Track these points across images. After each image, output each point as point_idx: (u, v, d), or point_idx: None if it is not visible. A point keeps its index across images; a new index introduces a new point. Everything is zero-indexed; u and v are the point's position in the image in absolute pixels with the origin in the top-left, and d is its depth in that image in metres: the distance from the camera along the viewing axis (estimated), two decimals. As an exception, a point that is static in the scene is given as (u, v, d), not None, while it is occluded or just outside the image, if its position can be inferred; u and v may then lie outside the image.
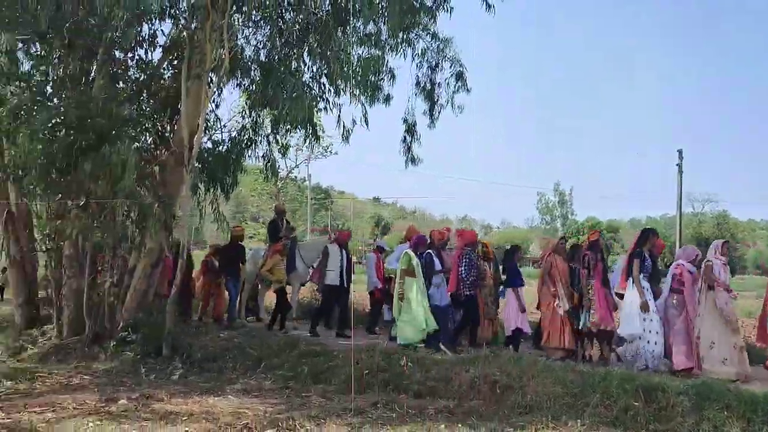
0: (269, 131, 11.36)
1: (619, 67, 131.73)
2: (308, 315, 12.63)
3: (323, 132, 12.26)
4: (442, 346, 9.25)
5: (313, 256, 12.03)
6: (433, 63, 11.42)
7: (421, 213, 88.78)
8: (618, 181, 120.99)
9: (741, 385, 7.56)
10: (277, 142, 11.52)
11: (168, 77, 10.30)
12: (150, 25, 9.58)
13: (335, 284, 11.14)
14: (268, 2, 8.56)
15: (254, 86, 10.33)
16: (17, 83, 9.07)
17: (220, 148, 10.64)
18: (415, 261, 9.76)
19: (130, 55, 9.86)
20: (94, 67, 9.53)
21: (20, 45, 8.98)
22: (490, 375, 7.32)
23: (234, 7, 8.98)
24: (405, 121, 11.74)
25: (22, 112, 8.93)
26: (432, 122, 11.69)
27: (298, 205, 56.68)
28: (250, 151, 11.07)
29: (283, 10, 9.77)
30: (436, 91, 11.54)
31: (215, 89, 9.96)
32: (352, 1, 9.19)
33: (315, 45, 9.32)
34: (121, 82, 9.95)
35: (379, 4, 9.68)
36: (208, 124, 10.40)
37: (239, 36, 9.90)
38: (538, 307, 9.89)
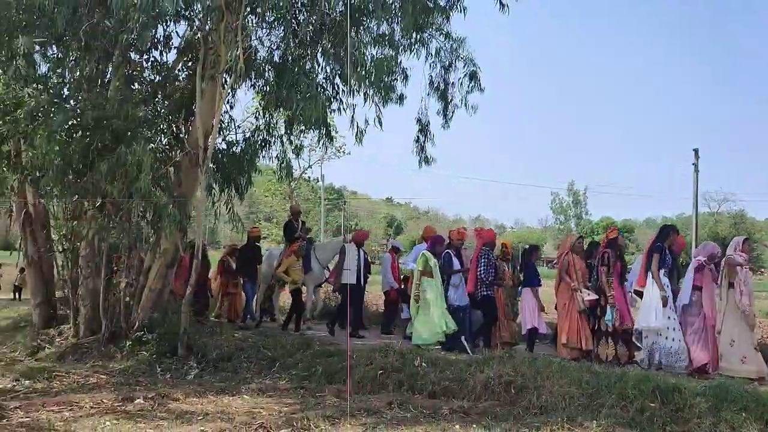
0: (283, 132, 11.39)
1: (635, 66, 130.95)
2: (324, 316, 12.68)
3: (336, 132, 12.29)
4: (463, 341, 9.21)
5: (329, 256, 12.04)
6: (447, 63, 11.36)
7: (434, 213, 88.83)
8: (633, 180, 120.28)
9: (759, 386, 7.49)
10: (290, 142, 11.55)
11: (183, 79, 10.36)
12: (165, 27, 9.65)
13: (352, 283, 11.18)
14: (281, 3, 8.57)
15: (268, 87, 10.35)
16: (35, 85, 9.17)
17: (235, 148, 10.67)
18: (433, 261, 9.72)
19: (145, 56, 9.94)
20: (110, 69, 9.61)
21: (37, 48, 9.07)
22: (505, 375, 7.29)
23: (248, 9, 9.01)
24: (418, 120, 11.71)
25: (40, 114, 9.03)
26: (446, 122, 11.65)
27: (312, 206, 56.84)
28: (263, 152, 11.09)
29: (297, 11, 9.79)
30: (449, 91, 11.49)
31: (229, 90, 10.00)
32: (366, 1, 9.20)
33: (329, 46, 9.33)
34: (136, 84, 10.03)
35: (392, 4, 9.68)
36: (223, 124, 10.44)
37: (253, 37, 9.93)
38: (557, 307, 9.84)
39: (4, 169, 10.29)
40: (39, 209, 10.98)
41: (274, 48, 10.21)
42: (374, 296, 14.24)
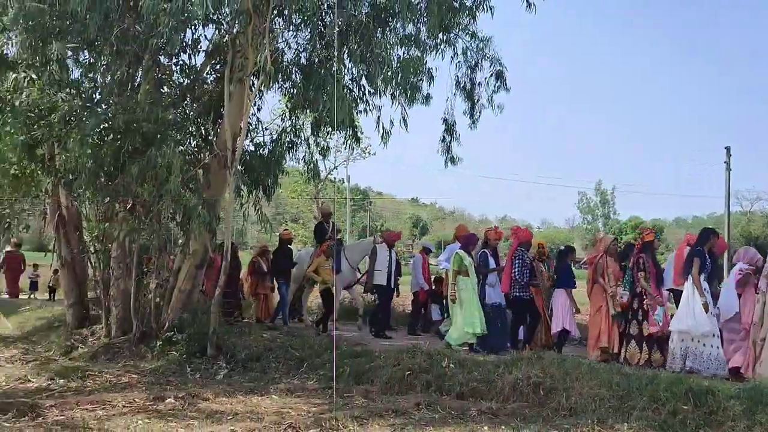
0: (309, 133, 11.46)
1: (664, 63, 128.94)
2: (348, 316, 12.72)
3: (362, 133, 12.28)
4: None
5: (358, 257, 12.06)
6: (473, 62, 11.34)
7: (459, 213, 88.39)
8: (662, 179, 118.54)
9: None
10: (317, 144, 11.61)
11: (211, 81, 10.47)
12: (193, 31, 9.75)
13: (382, 284, 11.20)
14: (308, 5, 8.61)
15: (295, 89, 10.42)
16: (68, 90, 9.32)
17: (262, 150, 10.76)
18: (468, 260, 9.65)
19: (174, 60, 10.05)
20: (140, 73, 9.75)
21: (70, 53, 9.25)
22: (533, 377, 7.24)
23: (275, 11, 9.08)
24: (445, 120, 11.68)
25: (73, 118, 9.19)
26: (473, 123, 11.61)
27: (337, 207, 56.97)
28: (290, 154, 11.16)
29: (323, 13, 9.84)
30: (476, 91, 11.46)
31: (257, 93, 10.08)
32: (392, 2, 9.21)
33: (355, 47, 9.33)
34: (165, 87, 10.14)
35: (418, 5, 9.67)
36: (250, 127, 10.52)
37: (280, 39, 10.00)
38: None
39: (39, 172, 10.50)
40: (72, 211, 11.19)
41: (301, 50, 10.27)
42: (402, 297, 14.23)
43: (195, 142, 10.43)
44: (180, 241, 10.20)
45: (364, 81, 10.35)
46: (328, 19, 9.76)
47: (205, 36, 10.13)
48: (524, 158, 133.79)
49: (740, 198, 65.78)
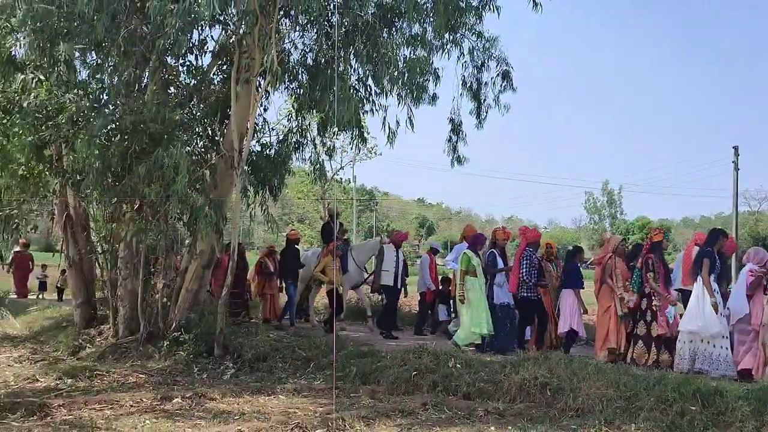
0: (316, 134, 11.47)
1: (670, 62, 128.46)
2: (355, 316, 12.72)
3: (368, 133, 12.29)
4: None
5: (365, 257, 12.07)
6: (480, 62, 11.31)
7: (466, 213, 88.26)
8: (669, 179, 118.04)
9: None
10: (323, 144, 11.63)
11: (218, 82, 10.49)
12: (200, 32, 9.78)
13: (390, 284, 11.19)
14: (314, 6, 8.61)
15: (301, 89, 10.43)
16: (75, 91, 9.37)
17: (269, 150, 10.79)
18: (476, 261, 9.64)
19: (181, 61, 10.07)
20: (147, 74, 9.77)
21: (77, 54, 9.31)
22: (540, 377, 7.22)
23: (281, 12, 9.10)
24: (451, 120, 11.66)
25: (80, 119, 9.25)
26: (480, 123, 11.57)
27: (344, 207, 57.00)
28: (297, 154, 11.18)
29: (330, 14, 9.84)
30: (482, 91, 11.43)
31: (263, 93, 10.10)
32: (398, 2, 9.20)
33: (361, 47, 9.34)
34: (172, 88, 10.17)
35: (424, 5, 9.67)
36: (257, 127, 10.55)
37: (286, 40, 10.02)
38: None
39: (47, 172, 10.56)
40: (79, 212, 11.25)
41: (307, 51, 10.29)
42: (409, 297, 14.22)
43: (202, 142, 10.46)
44: (187, 241, 10.24)
45: (370, 81, 10.36)
46: (335, 19, 9.76)
47: (212, 37, 10.17)
48: (530, 158, 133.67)
49: (748, 198, 65.52)
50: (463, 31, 10.85)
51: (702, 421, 6.15)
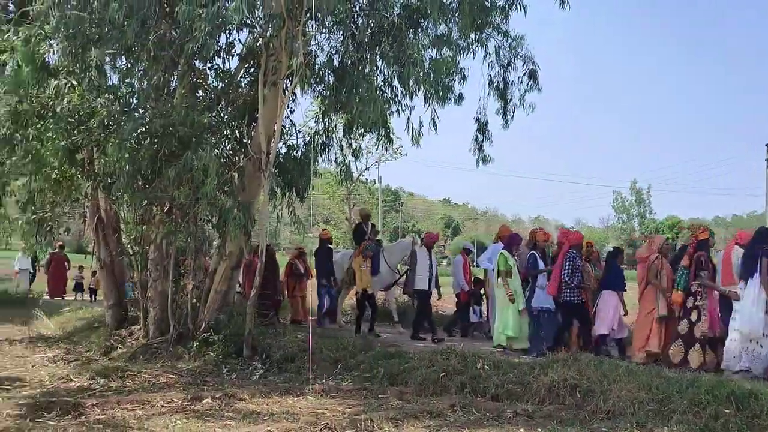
0: (342, 135, 11.49)
1: (700, 59, 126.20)
2: (383, 317, 12.71)
3: (394, 134, 12.25)
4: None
5: (397, 258, 12.05)
6: (506, 62, 11.26)
7: (492, 213, 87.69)
8: (699, 178, 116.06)
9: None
10: (350, 145, 11.64)
11: (245, 85, 10.57)
12: (228, 36, 9.88)
13: (424, 288, 11.11)
14: (341, 8, 8.65)
15: (328, 91, 10.46)
16: (106, 96, 9.53)
17: (295, 152, 10.84)
18: (512, 261, 9.57)
19: (209, 64, 10.18)
20: (176, 77, 9.89)
21: (108, 59, 9.46)
22: (570, 379, 7.15)
23: (308, 15, 9.13)
24: (477, 120, 11.61)
25: (111, 123, 9.40)
26: (506, 122, 11.51)
27: (370, 208, 56.99)
28: (323, 155, 11.23)
29: (356, 15, 9.87)
30: (509, 91, 11.37)
31: (290, 95, 10.16)
32: (424, 3, 9.18)
33: (387, 48, 9.33)
34: (201, 92, 10.28)
35: (450, 5, 9.64)
36: (284, 129, 10.61)
37: (313, 42, 10.06)
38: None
39: (79, 176, 10.73)
40: (110, 214, 11.42)
41: (334, 52, 10.31)
42: (441, 299, 14.14)
43: (230, 145, 10.55)
44: (216, 243, 10.34)
45: (396, 82, 10.35)
46: (360, 21, 9.79)
47: (239, 40, 10.26)
48: (551, 157, 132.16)
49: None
50: (489, 30, 10.81)
51: (736, 425, 6.03)
